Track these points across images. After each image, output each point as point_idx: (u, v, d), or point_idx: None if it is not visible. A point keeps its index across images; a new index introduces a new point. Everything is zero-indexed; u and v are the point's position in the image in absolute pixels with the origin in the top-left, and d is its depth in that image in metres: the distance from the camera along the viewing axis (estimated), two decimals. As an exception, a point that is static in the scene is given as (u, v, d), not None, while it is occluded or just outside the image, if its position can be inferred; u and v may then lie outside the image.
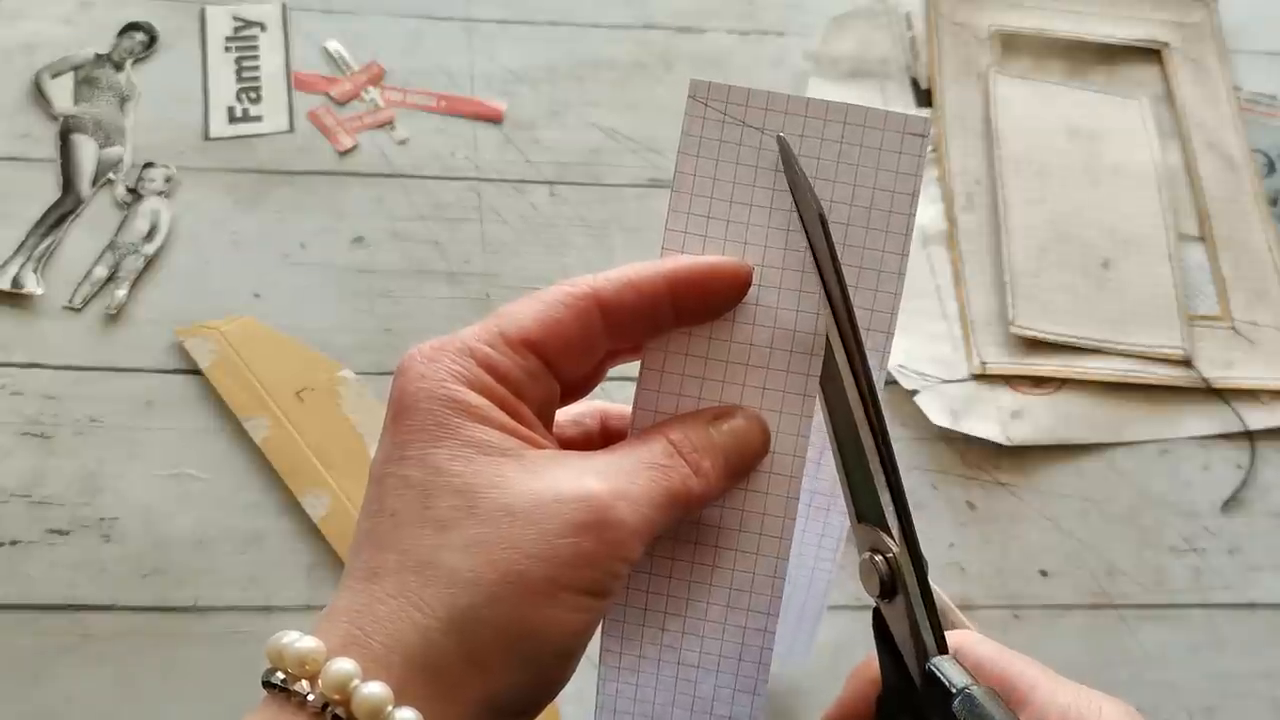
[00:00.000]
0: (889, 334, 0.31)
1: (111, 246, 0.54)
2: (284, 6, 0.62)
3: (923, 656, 0.29)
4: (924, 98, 0.63)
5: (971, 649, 0.31)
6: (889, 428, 0.54)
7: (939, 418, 0.53)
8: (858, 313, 0.30)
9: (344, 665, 0.24)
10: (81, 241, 0.54)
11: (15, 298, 0.53)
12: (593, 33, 0.64)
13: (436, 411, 0.27)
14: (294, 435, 0.50)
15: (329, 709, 0.24)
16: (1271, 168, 0.63)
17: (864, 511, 0.30)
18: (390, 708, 0.24)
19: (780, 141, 0.30)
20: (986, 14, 0.66)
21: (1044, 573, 0.51)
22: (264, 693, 0.26)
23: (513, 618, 0.25)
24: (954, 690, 0.27)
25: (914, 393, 0.53)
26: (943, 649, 0.29)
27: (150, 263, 0.54)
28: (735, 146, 0.31)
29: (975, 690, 0.27)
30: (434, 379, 0.27)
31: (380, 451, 0.28)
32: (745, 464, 0.30)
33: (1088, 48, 0.66)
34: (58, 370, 0.51)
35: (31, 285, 0.53)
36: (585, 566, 0.26)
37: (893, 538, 0.29)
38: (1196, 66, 0.65)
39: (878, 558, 0.29)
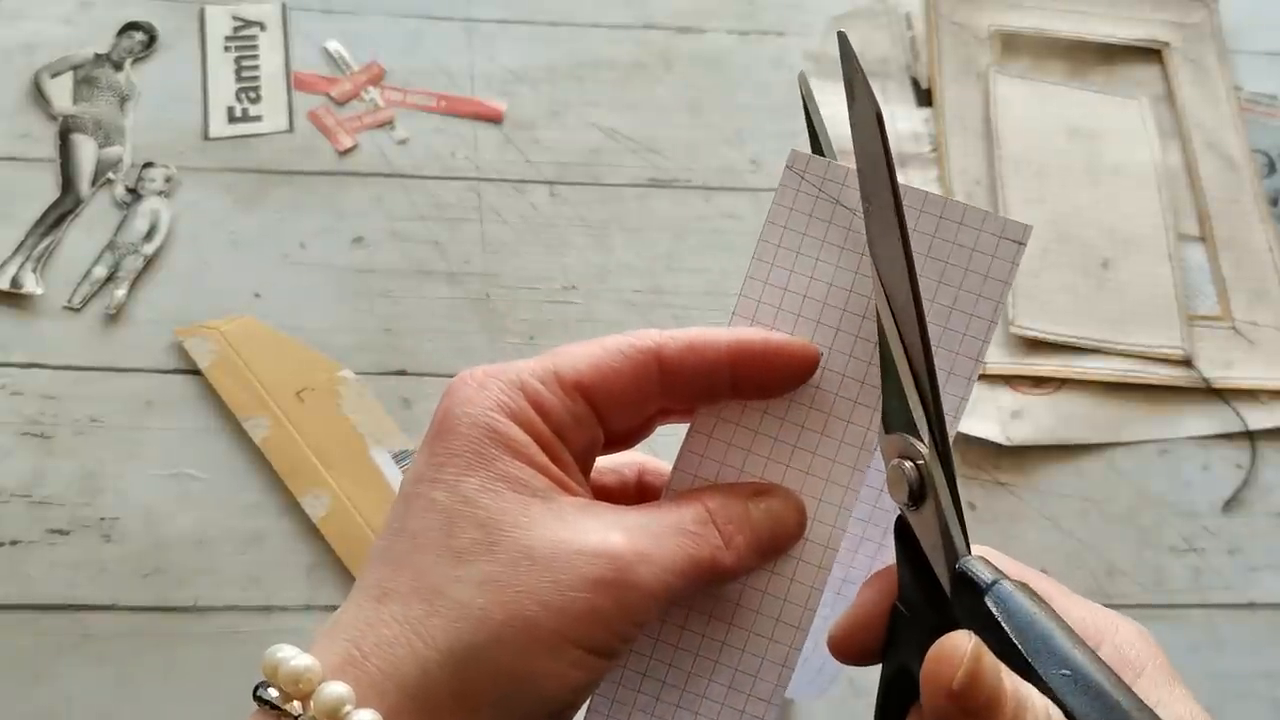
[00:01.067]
0: (951, 435, 0.29)
1: (111, 246, 0.54)
2: (284, 6, 0.62)
3: (952, 559, 0.28)
4: (924, 97, 0.63)
5: (993, 558, 0.30)
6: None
7: (939, 418, 0.53)
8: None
9: (337, 689, 0.24)
10: (81, 241, 0.54)
11: (15, 298, 0.53)
12: (593, 33, 0.64)
13: (476, 439, 0.27)
14: (294, 435, 0.50)
15: None
16: (1272, 168, 0.63)
17: (892, 420, 0.29)
18: None
19: (840, 37, 0.29)
20: (986, 14, 0.66)
21: (1044, 572, 0.51)
22: (254, 705, 0.26)
23: (513, 663, 0.25)
24: (985, 585, 0.27)
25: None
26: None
27: (150, 263, 0.54)
28: (825, 224, 0.30)
29: (1006, 584, 0.27)
30: (480, 406, 0.27)
31: (413, 469, 0.27)
32: (778, 546, 0.30)
33: (1088, 48, 0.66)
34: (57, 370, 0.51)
35: (31, 285, 0.53)
36: (596, 624, 0.25)
37: (923, 443, 0.28)
38: (1196, 67, 0.65)
39: (906, 464, 0.28)
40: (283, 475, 0.49)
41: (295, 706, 0.25)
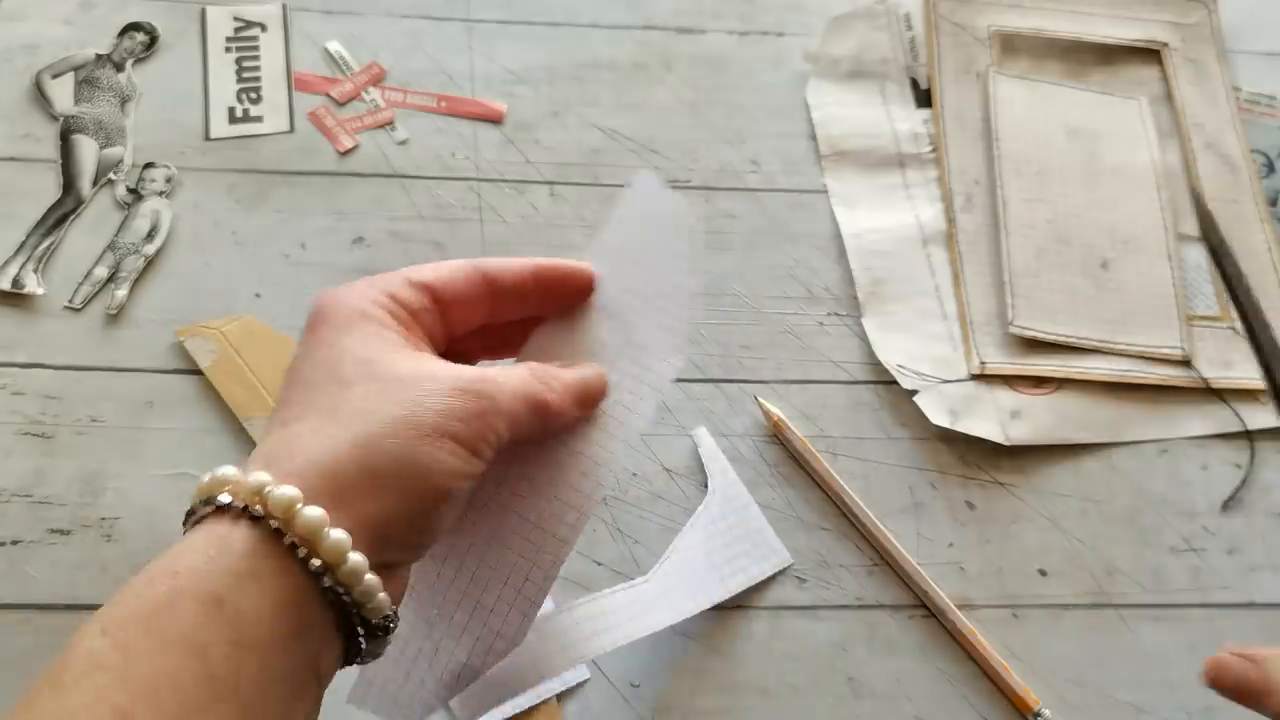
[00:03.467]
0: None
1: (112, 247, 0.54)
2: (284, 7, 0.62)
3: None
4: (923, 98, 0.63)
5: None
6: (889, 427, 0.54)
7: (938, 418, 0.53)
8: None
9: (289, 491, 0.29)
10: (82, 242, 0.54)
11: (16, 298, 0.53)
12: (593, 33, 0.64)
13: (348, 316, 0.33)
14: (294, 435, 0.50)
15: (271, 522, 0.29)
16: (1270, 168, 0.63)
17: None
18: (327, 529, 0.29)
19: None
20: (986, 14, 0.66)
21: (1043, 572, 0.51)
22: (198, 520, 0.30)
23: (405, 449, 0.30)
24: None
25: (913, 393, 0.54)
26: None
27: (151, 263, 0.54)
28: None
29: None
30: (349, 297, 0.34)
31: (299, 346, 0.34)
32: (589, 395, 0.37)
33: (1087, 48, 0.66)
34: (58, 370, 0.51)
35: (32, 285, 0.53)
36: (464, 421, 0.32)
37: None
38: (1196, 67, 0.65)
39: None
40: (283, 475, 0.49)
41: (256, 509, 0.29)
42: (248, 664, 0.27)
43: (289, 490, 0.29)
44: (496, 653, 0.36)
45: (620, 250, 0.40)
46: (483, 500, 0.37)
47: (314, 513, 0.29)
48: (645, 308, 0.39)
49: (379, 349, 0.33)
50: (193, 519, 0.30)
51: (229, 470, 0.30)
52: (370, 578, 0.30)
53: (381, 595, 0.31)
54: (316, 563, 0.29)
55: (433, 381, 0.32)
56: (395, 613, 0.32)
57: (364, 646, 0.31)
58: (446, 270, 0.36)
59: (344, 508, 0.30)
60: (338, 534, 0.29)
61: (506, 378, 0.34)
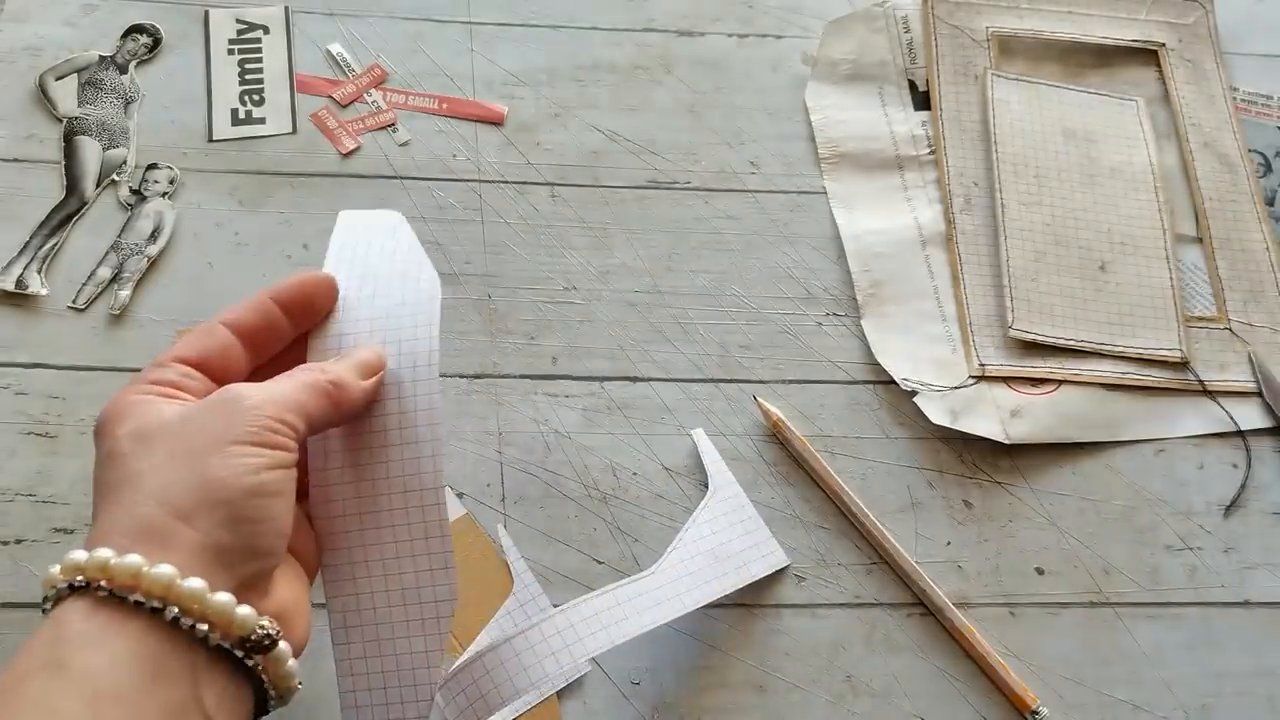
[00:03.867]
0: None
1: (115, 247, 0.55)
2: (287, 9, 0.63)
3: None
4: (921, 100, 0.64)
5: None
6: (887, 427, 0.54)
7: (938, 417, 0.53)
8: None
9: (101, 553, 0.31)
10: (85, 243, 0.55)
11: (19, 298, 0.53)
12: (593, 35, 0.64)
13: (116, 413, 0.35)
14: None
15: (100, 586, 0.31)
16: (1268, 167, 0.63)
17: None
18: (145, 569, 0.31)
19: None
20: (984, 16, 0.66)
21: (1040, 571, 0.51)
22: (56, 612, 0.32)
23: (194, 475, 0.33)
24: None
25: (913, 393, 0.54)
26: None
27: (154, 264, 0.55)
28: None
29: None
30: (115, 402, 0.36)
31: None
32: (369, 366, 0.39)
33: (1084, 49, 0.66)
34: (62, 370, 0.52)
35: (36, 286, 0.53)
36: (231, 426, 0.34)
37: None
38: (1193, 67, 0.66)
39: None
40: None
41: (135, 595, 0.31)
42: (110, 713, 0.29)
43: (102, 552, 0.31)
44: (442, 618, 0.38)
45: (352, 253, 0.43)
46: (344, 496, 0.39)
47: (131, 559, 0.31)
48: (390, 281, 0.42)
49: (142, 415, 0.35)
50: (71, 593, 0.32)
51: (51, 570, 0.32)
52: (219, 598, 0.32)
53: (242, 610, 0.32)
54: (145, 601, 0.31)
55: (193, 413, 0.35)
56: (269, 625, 0.33)
57: (259, 667, 0.33)
58: (196, 336, 0.38)
59: (164, 548, 0.32)
60: (161, 569, 0.31)
61: (276, 382, 0.37)
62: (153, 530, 0.32)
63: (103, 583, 0.31)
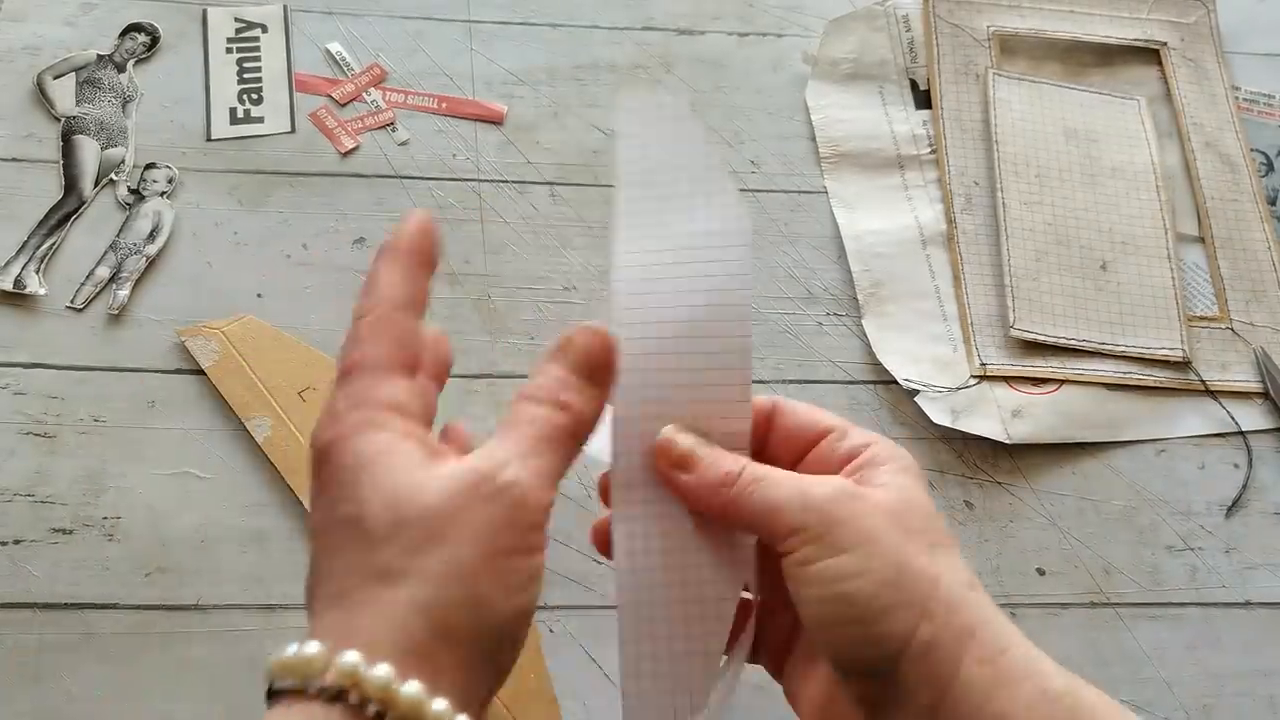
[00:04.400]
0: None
1: (114, 247, 0.55)
2: (286, 8, 0.63)
3: None
4: (923, 99, 0.63)
5: (789, 406, 0.38)
6: (887, 427, 0.54)
7: (940, 417, 0.53)
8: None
9: (382, 670, 0.28)
10: (84, 242, 0.55)
11: (18, 298, 0.53)
12: (593, 34, 0.64)
13: (351, 456, 0.31)
14: (296, 435, 0.50)
15: (369, 706, 0.28)
16: (1269, 167, 0.63)
17: None
18: (428, 702, 0.28)
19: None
20: (985, 16, 0.66)
21: (1041, 571, 0.51)
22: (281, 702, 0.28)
23: (464, 592, 0.29)
24: None
25: (914, 393, 0.54)
26: None
27: (152, 263, 0.54)
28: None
29: None
30: (345, 433, 0.31)
31: (311, 503, 0.32)
32: (599, 371, 0.34)
33: (1085, 49, 0.66)
34: (60, 370, 0.51)
35: (34, 286, 0.53)
36: (504, 531, 0.30)
37: None
38: (1194, 67, 0.66)
39: None
40: (285, 474, 0.50)
41: (354, 696, 0.28)
42: None
43: (380, 671, 0.28)
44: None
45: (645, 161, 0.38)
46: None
47: (412, 689, 0.28)
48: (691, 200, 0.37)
49: (393, 483, 0.30)
50: (276, 700, 0.29)
51: (312, 648, 0.28)
52: None
53: None
54: None
55: (461, 506, 0.30)
56: None
57: None
58: (403, 335, 0.34)
59: (433, 675, 0.29)
60: (439, 705, 0.28)
61: (509, 442, 0.32)
62: (421, 653, 0.29)
63: (373, 706, 0.28)
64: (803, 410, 0.39)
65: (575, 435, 0.33)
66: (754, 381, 0.54)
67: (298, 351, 0.53)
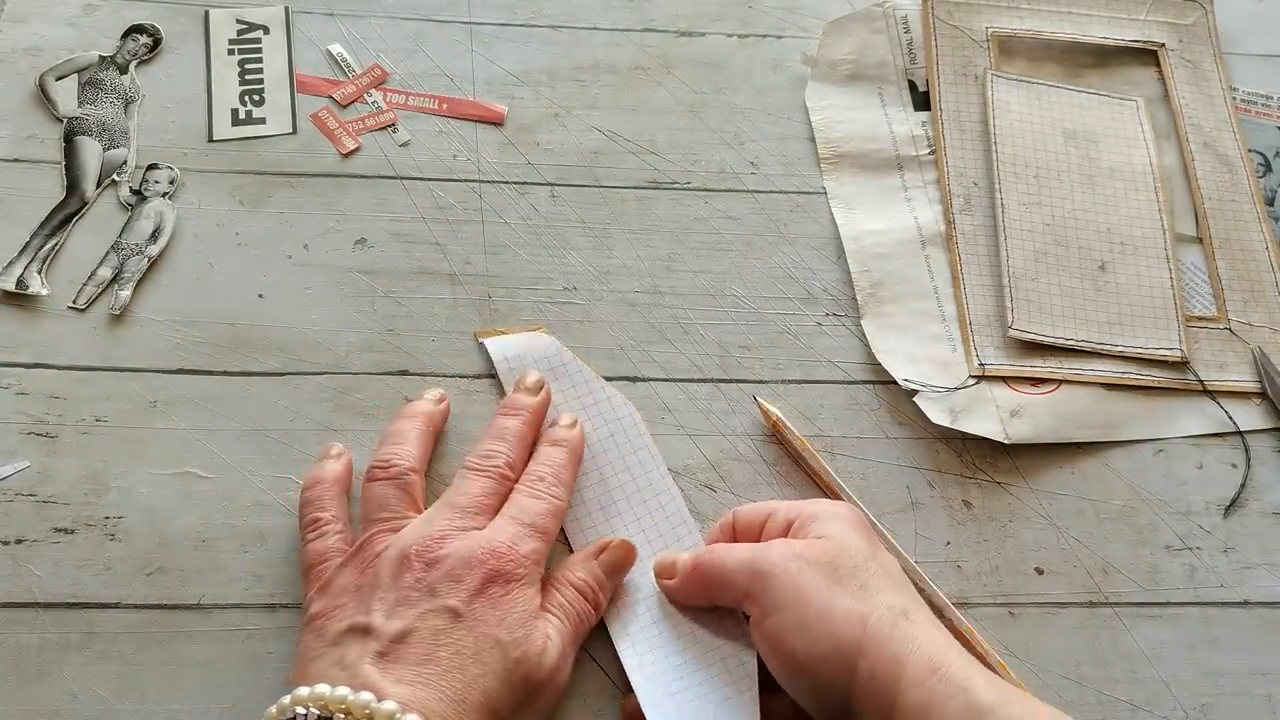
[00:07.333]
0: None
1: (115, 247, 0.55)
2: (287, 9, 0.63)
3: None
4: (921, 100, 0.64)
5: (742, 509, 0.48)
6: (886, 427, 0.54)
7: (939, 417, 0.53)
8: None
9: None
10: (86, 243, 0.55)
11: (20, 298, 0.53)
12: (593, 36, 0.64)
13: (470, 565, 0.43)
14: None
15: None
16: (1267, 167, 0.63)
17: None
18: None
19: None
20: (983, 17, 0.66)
21: (1040, 571, 0.51)
22: None
23: (505, 669, 0.40)
24: None
25: (913, 393, 0.54)
26: None
27: (154, 264, 0.55)
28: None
29: None
30: (451, 541, 0.44)
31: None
32: (619, 568, 0.47)
33: (1084, 50, 0.66)
34: (62, 370, 0.52)
35: (36, 286, 0.53)
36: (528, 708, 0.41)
37: None
38: (1192, 68, 0.66)
39: None
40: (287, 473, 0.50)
41: None
42: None
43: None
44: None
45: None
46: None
47: None
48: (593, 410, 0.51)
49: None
50: None
51: (365, 696, 0.37)
52: None
53: None
54: None
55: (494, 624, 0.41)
56: None
57: None
58: (426, 439, 0.49)
59: None
60: None
61: (560, 623, 0.43)
62: None
63: None
64: (751, 506, 0.47)
65: (590, 627, 0.45)
66: (755, 381, 0.55)
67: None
